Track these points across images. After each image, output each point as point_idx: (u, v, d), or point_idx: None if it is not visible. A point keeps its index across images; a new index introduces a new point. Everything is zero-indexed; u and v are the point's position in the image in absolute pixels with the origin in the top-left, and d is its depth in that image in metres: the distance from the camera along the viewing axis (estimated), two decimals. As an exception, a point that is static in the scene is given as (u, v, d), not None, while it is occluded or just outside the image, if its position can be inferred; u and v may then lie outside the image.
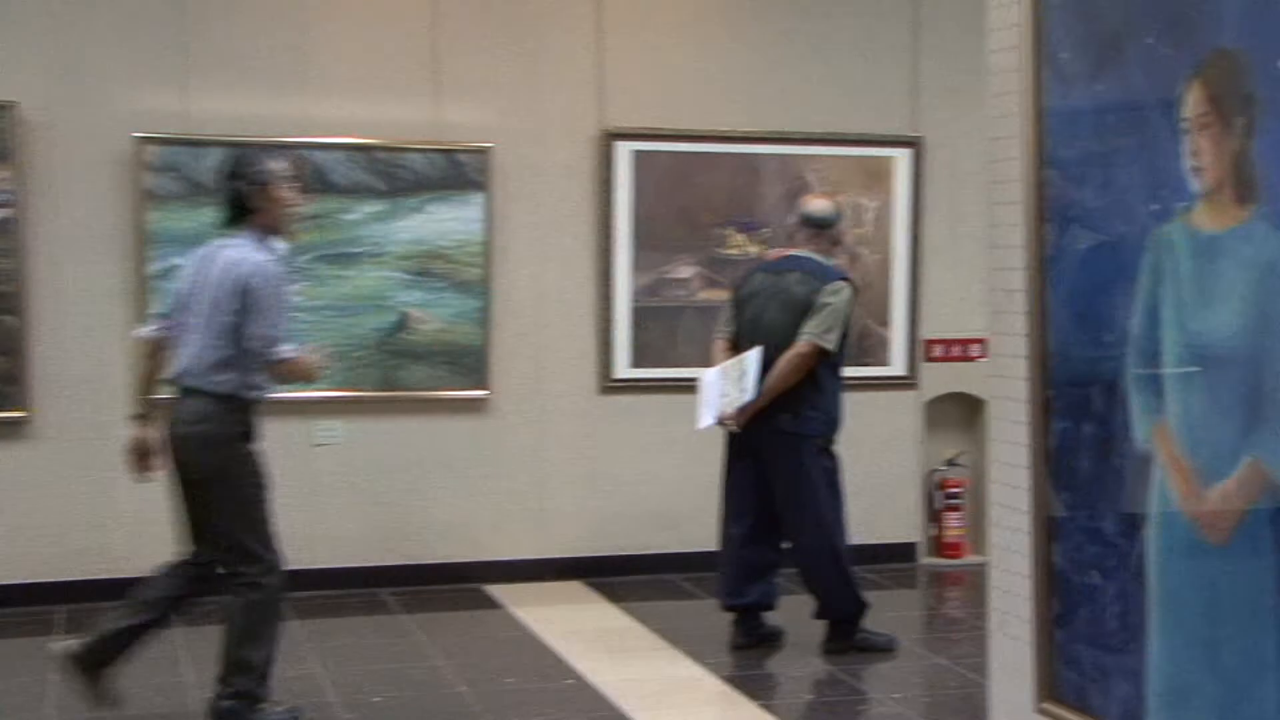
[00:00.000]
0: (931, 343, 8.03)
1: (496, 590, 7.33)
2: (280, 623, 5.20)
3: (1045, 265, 3.70)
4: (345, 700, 5.56)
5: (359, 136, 7.22)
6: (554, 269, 7.55)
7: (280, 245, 5.18)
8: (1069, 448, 3.62)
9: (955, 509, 8.05)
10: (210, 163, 6.94)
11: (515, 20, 7.44)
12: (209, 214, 6.91)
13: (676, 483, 7.55)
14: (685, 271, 7.74)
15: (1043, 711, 3.77)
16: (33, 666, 5.96)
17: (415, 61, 7.30)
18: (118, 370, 6.86)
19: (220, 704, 5.06)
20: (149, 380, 5.28)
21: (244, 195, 5.09)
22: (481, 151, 7.36)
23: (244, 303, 4.97)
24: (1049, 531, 3.72)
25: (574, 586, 7.48)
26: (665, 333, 7.71)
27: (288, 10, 7.14)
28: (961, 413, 8.11)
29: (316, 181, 7.10)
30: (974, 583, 7.36)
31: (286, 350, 5.07)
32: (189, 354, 5.08)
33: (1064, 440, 3.65)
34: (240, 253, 5.03)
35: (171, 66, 6.98)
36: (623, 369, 7.65)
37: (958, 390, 8.03)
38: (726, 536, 6.35)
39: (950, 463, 8.13)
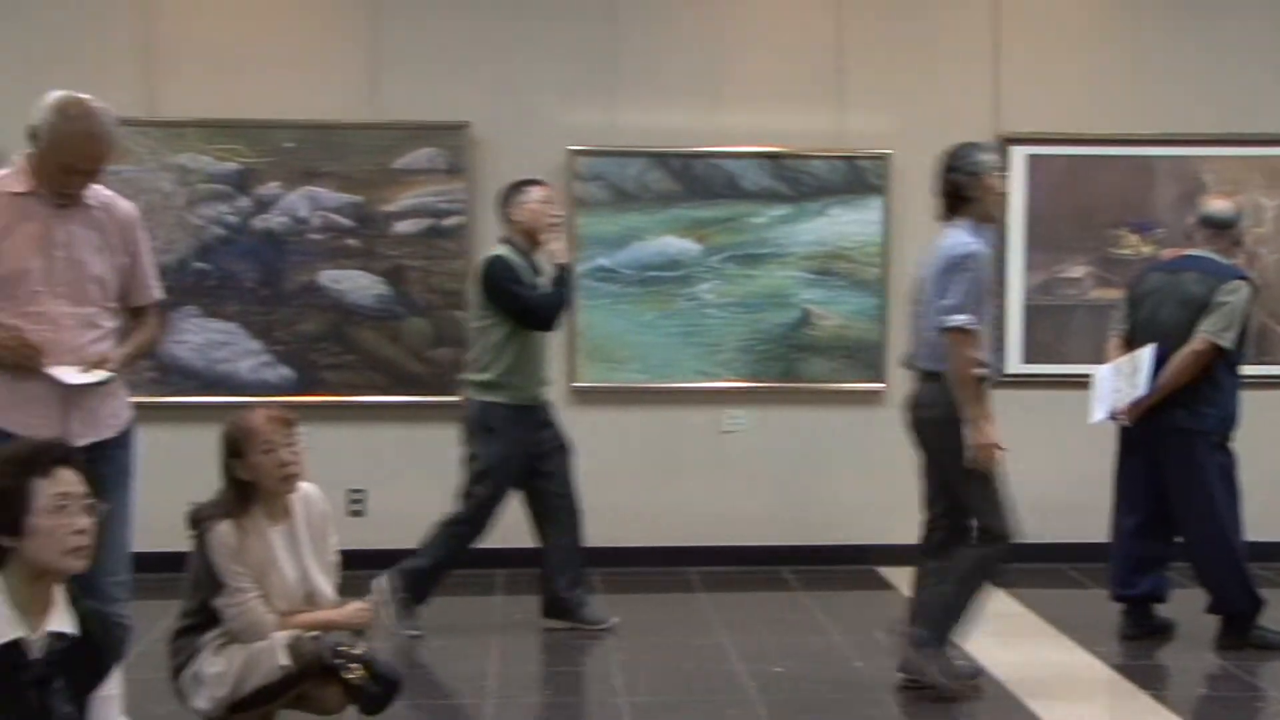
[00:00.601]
0: (1331, 342, 7.64)
1: (890, 572, 7.35)
2: (988, 584, 5.35)
3: None
4: (749, 668, 5.69)
5: (767, 145, 7.36)
6: (949, 269, 7.51)
7: (990, 232, 5.34)
8: None
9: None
10: (633, 171, 7.26)
11: (915, 31, 7.46)
12: (632, 219, 7.29)
13: (1067, 474, 7.39)
14: (1077, 271, 7.59)
15: None
16: (476, 624, 6.35)
17: (820, 73, 7.39)
18: (551, 360, 7.22)
19: (917, 635, 5.30)
20: None
21: (961, 186, 5.28)
22: (881, 158, 7.40)
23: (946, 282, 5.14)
24: None
25: (965, 571, 7.44)
26: (1056, 330, 7.58)
27: (704, 28, 7.35)
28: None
29: (728, 188, 7.32)
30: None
31: (960, 319, 5.11)
32: (921, 338, 5.33)
33: None
34: (955, 238, 5.23)
35: (601, 84, 7.28)
36: (1015, 364, 7.57)
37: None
38: (1118, 528, 6.22)
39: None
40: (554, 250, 6.11)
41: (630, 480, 7.35)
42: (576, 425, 7.28)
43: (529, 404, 6.19)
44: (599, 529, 7.22)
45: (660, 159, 7.29)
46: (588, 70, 7.28)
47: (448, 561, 6.20)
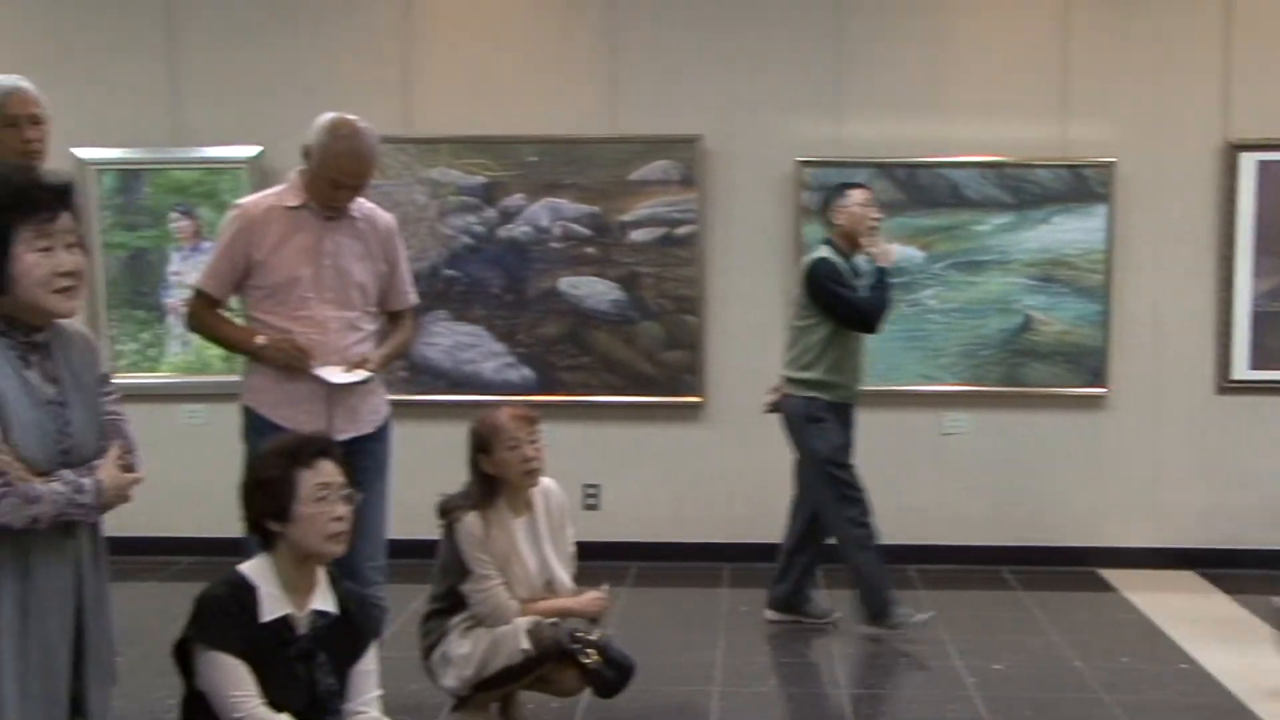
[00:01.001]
0: None
1: (1109, 575, 7.17)
2: None
3: None
4: (968, 665, 5.62)
5: (990, 154, 7.23)
6: (1173, 275, 7.28)
7: None
8: None
9: None
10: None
11: (1142, 38, 7.22)
12: (858, 227, 7.24)
13: (1295, 480, 7.13)
14: (1308, 277, 7.28)
15: None
16: (703, 616, 6.39)
17: (1044, 82, 7.23)
18: (777, 363, 7.22)
19: None
20: None
21: None
22: (1105, 166, 7.20)
23: None
24: None
25: (1186, 576, 7.20)
26: (1286, 336, 7.29)
27: (929, 40, 7.25)
28: None
29: (951, 196, 7.22)
30: None
31: None
32: None
33: None
34: None
35: (827, 97, 7.24)
36: (1241, 370, 7.29)
37: None
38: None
39: None
40: (876, 253, 6.03)
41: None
42: (801, 426, 7.30)
43: (847, 402, 6.14)
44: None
45: (885, 169, 7.22)
46: (815, 83, 7.25)
47: (871, 553, 6.06)
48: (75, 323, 3.17)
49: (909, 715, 5.20)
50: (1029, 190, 7.25)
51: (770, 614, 6.28)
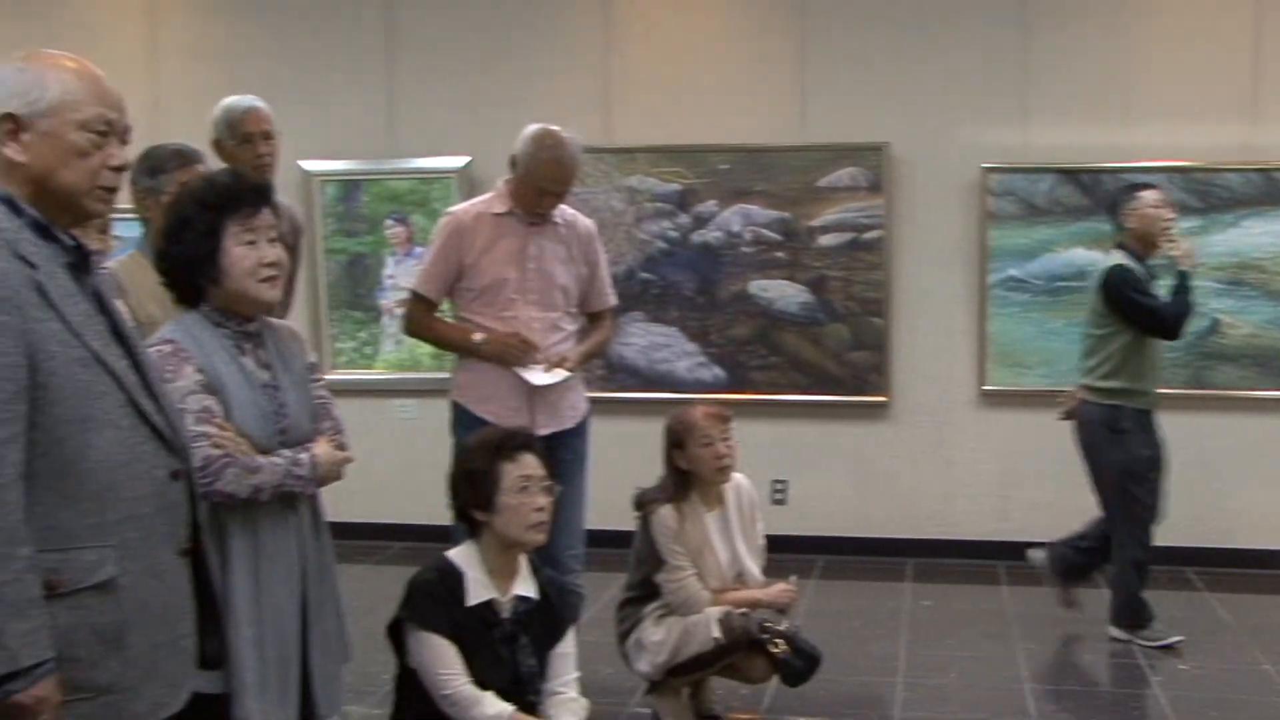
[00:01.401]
0: None
1: (1299, 578, 6.88)
2: None
3: None
4: (1153, 664, 5.47)
5: (1177, 159, 6.98)
6: (1367, 279, 6.95)
7: None
8: None
9: None
10: (1043, 187, 7.04)
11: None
12: (1042, 232, 7.07)
13: None
14: None
15: None
16: (887, 609, 6.31)
17: (1233, 85, 6.94)
18: (962, 364, 7.11)
19: None
20: None
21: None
22: (1297, 169, 6.91)
23: None
24: None
25: (1379, 581, 6.87)
26: None
27: (1115, 46, 7.02)
28: None
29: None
30: None
31: None
32: None
33: None
34: None
35: (1013, 104, 7.07)
36: None
37: None
38: None
39: None
40: (1177, 255, 5.74)
41: (1036, 479, 7.12)
42: (985, 426, 7.16)
43: (1150, 409, 5.85)
44: (1007, 524, 7.10)
45: (1070, 174, 7.03)
46: (1001, 90, 7.09)
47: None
48: (281, 320, 3.29)
49: (1093, 712, 5.05)
50: (1217, 194, 6.98)
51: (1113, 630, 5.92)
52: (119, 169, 2.46)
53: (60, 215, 2.44)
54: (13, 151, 2.38)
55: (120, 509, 2.38)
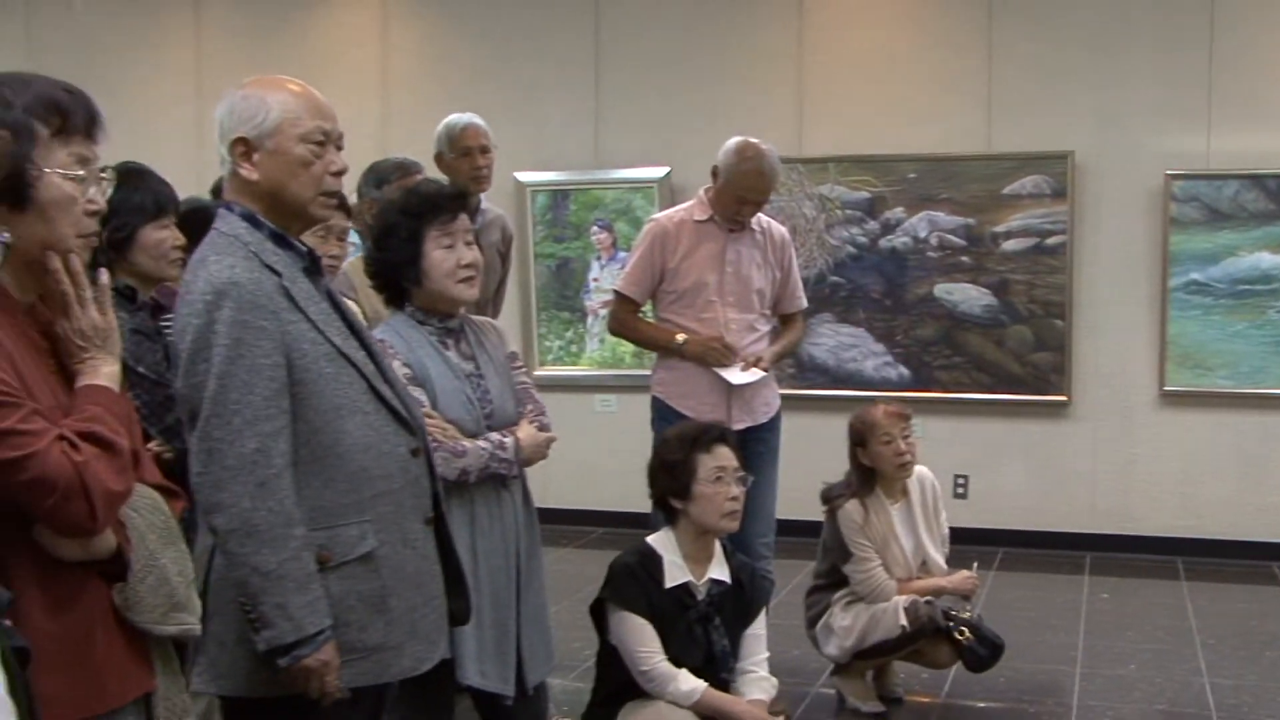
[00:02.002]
0: None
1: None
2: None
3: None
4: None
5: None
6: None
7: None
8: None
9: None
10: (1228, 192, 6.74)
11: None
12: (1225, 236, 6.77)
13: None
14: None
15: None
16: (1068, 600, 6.13)
17: None
18: (1142, 365, 6.86)
19: None
20: None
21: None
22: None
23: None
24: None
25: None
26: None
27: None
28: None
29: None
30: None
31: None
32: None
33: None
34: None
35: (1197, 111, 6.78)
36: None
37: None
38: None
39: None
40: None
41: (1217, 478, 6.83)
42: (1165, 426, 6.90)
43: None
44: (1187, 521, 6.84)
45: (1256, 180, 6.71)
46: (1184, 97, 6.80)
47: None
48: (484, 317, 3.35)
49: (1277, 709, 4.81)
50: None
51: None
52: (338, 174, 2.52)
53: (292, 224, 2.52)
54: (247, 171, 2.46)
55: (373, 486, 2.46)
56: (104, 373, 2.02)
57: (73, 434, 1.90)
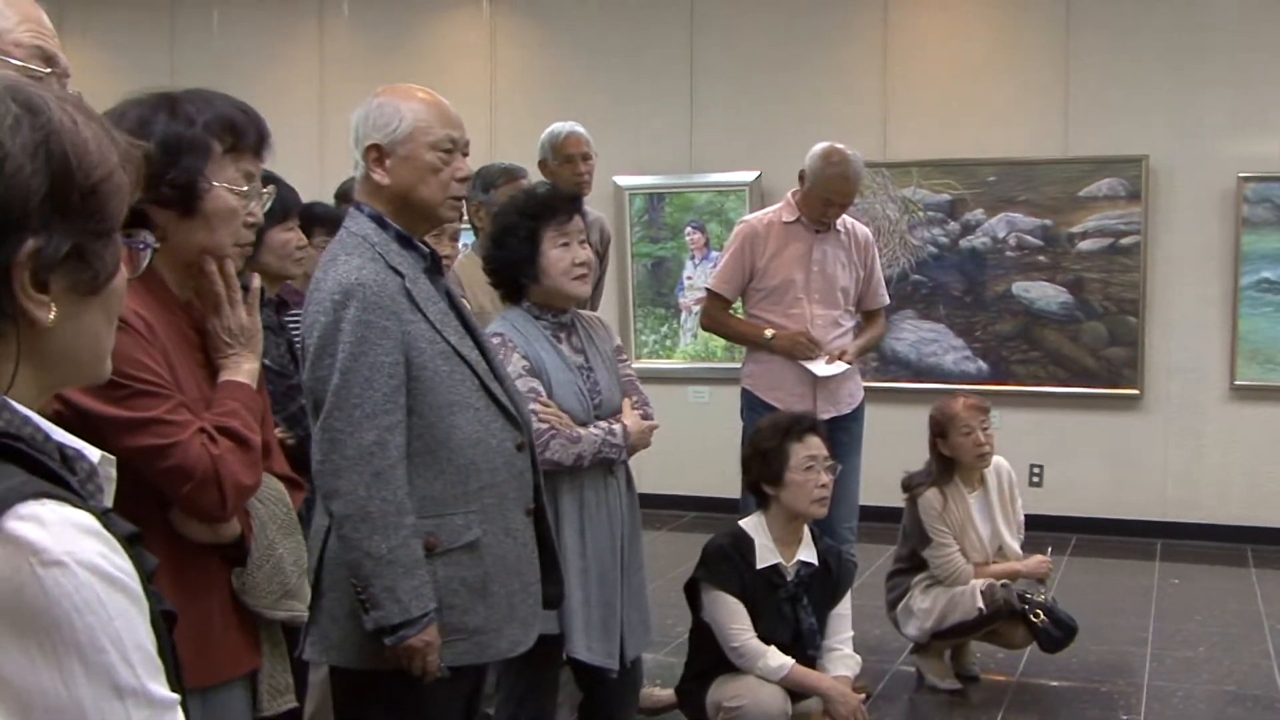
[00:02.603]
0: None
1: None
2: None
3: None
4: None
5: None
6: None
7: None
8: None
9: None
10: (1299, 195, 6.55)
11: None
12: (1297, 237, 6.59)
13: None
14: None
15: None
16: (1139, 585, 6.01)
17: None
18: (1213, 360, 6.70)
19: None
20: None
21: None
22: None
23: None
24: None
25: None
26: None
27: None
28: None
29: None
30: None
31: None
32: None
33: None
34: None
35: (1271, 114, 6.59)
36: None
37: None
38: None
39: None
40: None
41: (1285, 469, 6.66)
42: (1235, 419, 6.74)
43: None
44: (1257, 510, 6.69)
45: None
46: (1258, 101, 6.62)
47: None
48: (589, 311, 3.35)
49: (1342, 694, 4.67)
50: None
51: None
52: (464, 179, 2.53)
53: (418, 226, 2.53)
54: (379, 175, 2.46)
55: (480, 479, 2.47)
56: (245, 370, 2.05)
57: (212, 428, 1.93)
